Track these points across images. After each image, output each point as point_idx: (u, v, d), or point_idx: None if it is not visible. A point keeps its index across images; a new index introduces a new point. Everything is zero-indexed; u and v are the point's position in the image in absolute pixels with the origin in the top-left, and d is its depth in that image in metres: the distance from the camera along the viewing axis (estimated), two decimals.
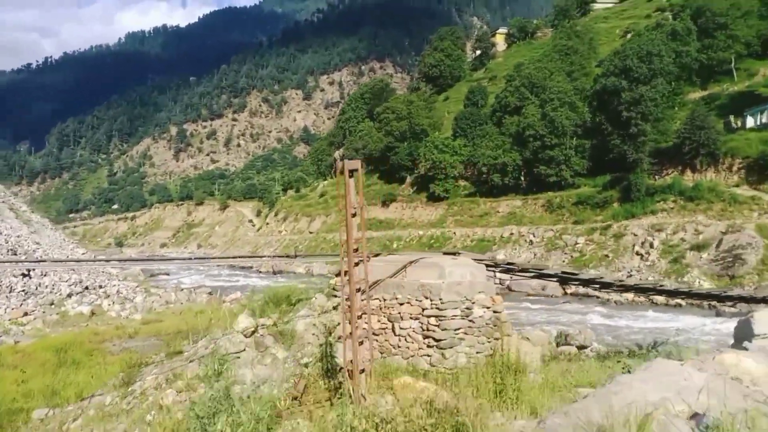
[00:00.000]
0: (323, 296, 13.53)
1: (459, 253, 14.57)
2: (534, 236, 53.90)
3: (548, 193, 62.45)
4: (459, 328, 10.60)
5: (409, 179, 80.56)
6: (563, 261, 47.86)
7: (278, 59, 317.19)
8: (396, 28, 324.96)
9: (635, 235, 45.08)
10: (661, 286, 21.76)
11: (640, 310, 33.55)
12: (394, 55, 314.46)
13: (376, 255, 14.34)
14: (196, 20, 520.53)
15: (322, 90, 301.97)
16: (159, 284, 49.14)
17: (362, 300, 8.55)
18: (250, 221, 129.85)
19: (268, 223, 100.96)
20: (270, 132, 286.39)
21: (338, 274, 12.89)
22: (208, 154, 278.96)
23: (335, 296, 12.91)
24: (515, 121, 68.13)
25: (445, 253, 14.56)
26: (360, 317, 8.40)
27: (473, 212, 68.42)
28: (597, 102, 62.25)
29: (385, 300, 11.29)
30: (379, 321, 11.23)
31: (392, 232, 70.64)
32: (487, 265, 14.42)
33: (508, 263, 17.81)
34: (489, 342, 10.83)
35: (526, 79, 76.85)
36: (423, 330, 10.75)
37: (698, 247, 40.03)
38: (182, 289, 42.96)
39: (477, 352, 10.54)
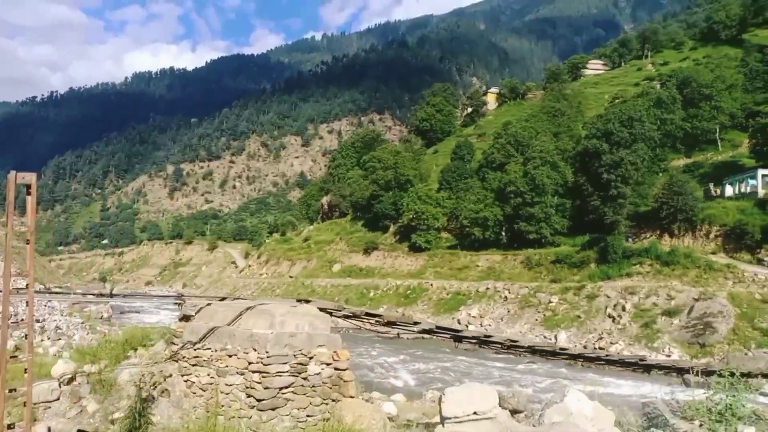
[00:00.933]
0: (163, 342, 12.27)
1: (309, 300, 13.06)
2: (509, 292, 53.06)
3: (528, 250, 61.99)
4: (286, 387, 9.21)
5: (392, 228, 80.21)
6: (536, 319, 46.88)
7: (280, 106, 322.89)
8: (397, 83, 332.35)
9: (608, 297, 44.32)
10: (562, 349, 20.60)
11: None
12: (394, 108, 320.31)
13: (223, 299, 13.27)
14: (203, 65, 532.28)
15: (321, 138, 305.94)
16: (121, 321, 47.69)
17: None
18: (233, 263, 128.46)
19: (250, 266, 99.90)
20: (266, 176, 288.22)
21: (182, 319, 11.83)
22: (202, 194, 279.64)
23: (174, 343, 11.72)
24: (498, 177, 68.39)
25: (298, 300, 13.04)
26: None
27: (453, 265, 67.72)
28: (579, 163, 62.70)
29: (216, 351, 9.88)
30: (208, 375, 9.80)
31: (370, 281, 69.70)
32: (354, 316, 13.28)
33: (368, 314, 15.87)
34: (325, 404, 9.45)
35: (512, 137, 77.76)
36: (246, 387, 9.31)
37: (670, 313, 39.22)
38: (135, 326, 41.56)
39: (308, 416, 9.16)
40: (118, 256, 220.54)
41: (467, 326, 50.01)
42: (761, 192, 49.04)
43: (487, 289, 55.40)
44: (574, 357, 19.54)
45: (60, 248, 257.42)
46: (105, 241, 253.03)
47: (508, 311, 49.81)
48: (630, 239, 55.03)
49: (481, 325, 49.24)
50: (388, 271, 73.44)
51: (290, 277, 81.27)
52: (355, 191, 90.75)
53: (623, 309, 41.93)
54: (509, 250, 64.99)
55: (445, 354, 38.61)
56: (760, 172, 51.12)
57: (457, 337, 20.02)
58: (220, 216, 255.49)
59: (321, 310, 11.29)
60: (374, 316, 16.31)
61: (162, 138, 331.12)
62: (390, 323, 16.95)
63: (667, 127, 73.24)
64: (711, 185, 57.04)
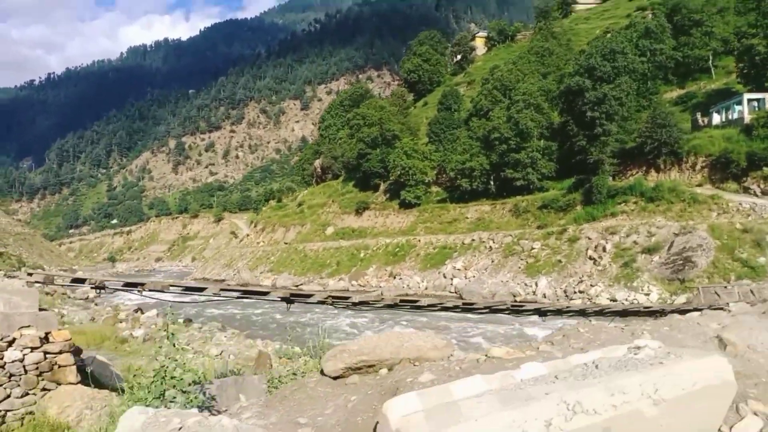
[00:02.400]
0: None
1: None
2: (493, 242, 52.11)
3: (516, 197, 60.72)
4: None
5: (382, 186, 79.02)
6: (519, 267, 46.08)
7: (276, 70, 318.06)
8: (393, 36, 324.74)
9: (589, 239, 43.22)
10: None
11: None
12: (391, 63, 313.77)
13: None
14: (197, 33, 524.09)
15: (320, 100, 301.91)
16: (106, 300, 47.63)
17: None
18: (233, 233, 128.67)
19: (248, 235, 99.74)
20: (268, 143, 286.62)
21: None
22: (206, 167, 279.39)
23: None
24: (483, 125, 66.56)
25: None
26: None
27: (443, 219, 66.69)
28: (563, 103, 60.71)
29: None
30: None
31: (361, 242, 69.07)
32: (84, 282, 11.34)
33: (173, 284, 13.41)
34: (32, 395, 8.37)
35: (499, 81, 75.38)
36: None
37: (649, 250, 38.11)
38: (111, 306, 41.57)
39: (6, 411, 8.09)
40: (126, 234, 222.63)
41: (452, 279, 49.44)
42: (747, 118, 46.92)
43: (473, 240, 54.51)
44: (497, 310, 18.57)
45: (71, 231, 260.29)
46: (114, 221, 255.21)
47: (492, 261, 49.01)
48: (620, 177, 53.51)
49: (465, 277, 48.62)
50: (380, 230, 72.68)
51: (285, 243, 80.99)
52: (345, 151, 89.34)
53: (604, 250, 40.91)
54: (498, 199, 63.72)
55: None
56: (746, 96, 48.87)
57: (416, 306, 18.96)
58: (226, 187, 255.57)
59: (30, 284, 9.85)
60: (300, 296, 15.38)
61: (161, 112, 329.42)
62: (338, 298, 15.71)
63: (657, 58, 70.25)
64: (698, 114, 54.83)
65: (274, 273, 70.49)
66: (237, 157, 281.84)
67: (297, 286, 60.88)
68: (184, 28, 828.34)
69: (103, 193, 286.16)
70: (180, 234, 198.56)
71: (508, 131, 60.79)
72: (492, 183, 65.74)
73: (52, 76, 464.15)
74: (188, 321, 34.18)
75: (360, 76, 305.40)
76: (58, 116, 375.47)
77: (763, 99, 48.31)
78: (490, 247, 51.72)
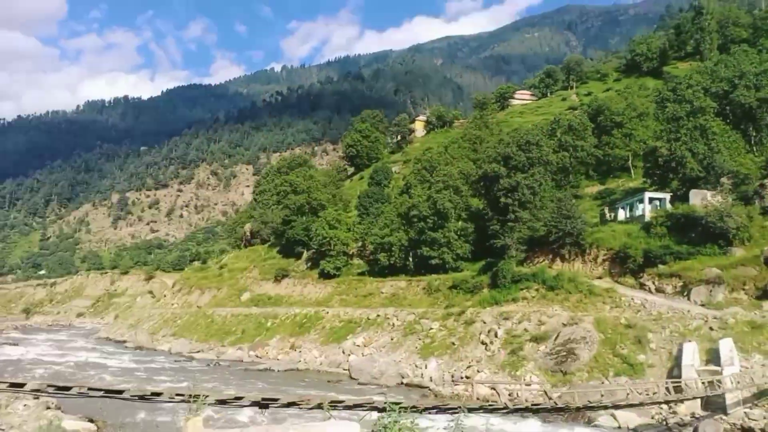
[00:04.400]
0: None
1: None
2: (397, 319, 50.69)
3: (432, 276, 60.05)
4: None
5: (305, 255, 77.46)
6: (416, 347, 44.52)
7: (232, 135, 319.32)
8: (352, 114, 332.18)
9: (484, 322, 42.36)
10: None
11: None
12: None
13: None
14: (159, 94, 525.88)
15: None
16: None
17: None
18: (150, 292, 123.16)
19: (165, 295, 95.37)
20: (216, 204, 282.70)
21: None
22: (148, 224, 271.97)
23: None
24: (405, 201, 66.77)
25: None
26: None
27: (359, 292, 65.16)
28: (481, 187, 61.71)
29: None
30: None
31: (271, 310, 66.47)
32: None
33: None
34: None
35: (428, 162, 76.71)
36: None
37: (537, 339, 37.39)
38: None
39: None
40: (50, 286, 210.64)
41: (349, 356, 47.31)
42: (648, 215, 48.30)
43: (378, 316, 53.00)
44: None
45: None
46: (42, 272, 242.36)
47: (392, 339, 47.37)
48: (528, 264, 53.64)
49: (362, 354, 46.59)
50: (297, 299, 70.42)
51: (198, 306, 77.37)
52: (275, 218, 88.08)
53: (495, 335, 39.99)
54: (415, 276, 62.94)
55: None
56: (647, 195, 50.57)
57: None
58: (165, 245, 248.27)
59: None
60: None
61: (109, 166, 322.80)
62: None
63: (578, 154, 73.15)
64: (606, 209, 56.36)
65: (177, 337, 66.59)
66: (181, 216, 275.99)
67: (193, 352, 57.39)
68: (147, 88, 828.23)
69: (36, 242, 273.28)
70: (107, 290, 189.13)
71: (427, 210, 60.99)
72: (411, 260, 65.17)
73: (2, 122, 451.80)
74: None
75: (316, 147, 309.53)
76: (2, 162, 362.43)
77: (664, 199, 50.00)
78: (393, 324, 50.22)
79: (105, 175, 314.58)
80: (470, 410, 16.92)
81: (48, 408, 24.24)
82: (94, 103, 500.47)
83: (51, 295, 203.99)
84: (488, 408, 18.48)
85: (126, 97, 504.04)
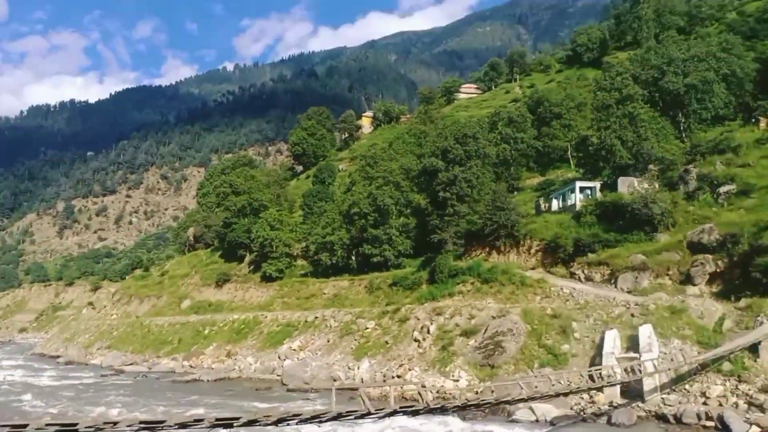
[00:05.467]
0: None
1: None
2: (334, 320, 49.69)
3: (373, 274, 59.25)
4: None
5: (247, 258, 75.57)
6: (351, 348, 43.61)
7: (182, 137, 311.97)
8: (305, 112, 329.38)
9: (418, 319, 41.75)
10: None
11: None
12: None
13: None
14: (108, 97, 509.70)
15: None
16: None
17: None
18: (90, 303, 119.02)
19: (105, 306, 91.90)
20: (166, 209, 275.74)
21: None
22: (95, 232, 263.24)
23: None
24: (345, 199, 65.76)
25: None
26: None
27: (301, 294, 63.85)
28: (421, 182, 61.22)
29: None
30: None
31: (209, 317, 64.49)
32: None
33: None
34: None
35: (372, 159, 75.78)
36: None
37: (467, 333, 36.96)
38: None
39: None
40: None
41: (284, 361, 46.05)
42: (578, 205, 48.51)
43: (316, 318, 51.86)
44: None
45: None
46: None
47: (329, 341, 46.32)
48: (466, 258, 53.35)
49: (297, 359, 45.41)
50: (238, 304, 68.59)
51: (136, 317, 74.61)
52: (217, 220, 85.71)
53: (428, 332, 39.40)
54: (358, 275, 62.02)
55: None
56: (578, 184, 50.83)
57: None
58: (114, 254, 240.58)
59: None
60: None
61: (54, 174, 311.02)
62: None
63: (519, 146, 73.37)
64: (541, 200, 56.53)
65: (112, 350, 63.98)
66: (130, 223, 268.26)
67: (126, 365, 55.13)
68: (95, 91, 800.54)
69: None
70: (51, 303, 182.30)
71: (368, 207, 60.12)
72: (353, 258, 64.23)
73: None
74: None
75: (270, 147, 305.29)
76: None
77: (594, 187, 50.34)
78: (330, 325, 49.19)
79: (50, 182, 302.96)
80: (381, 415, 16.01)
81: None
82: (39, 108, 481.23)
83: None
84: (407, 410, 17.73)
85: (72, 101, 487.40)
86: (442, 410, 16.93)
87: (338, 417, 13.63)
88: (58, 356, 69.17)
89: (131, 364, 55.55)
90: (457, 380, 33.19)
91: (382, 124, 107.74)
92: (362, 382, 36.57)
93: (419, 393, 15.47)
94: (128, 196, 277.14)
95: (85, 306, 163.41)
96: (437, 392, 31.66)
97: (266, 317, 57.64)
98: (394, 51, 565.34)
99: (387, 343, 41.02)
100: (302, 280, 66.65)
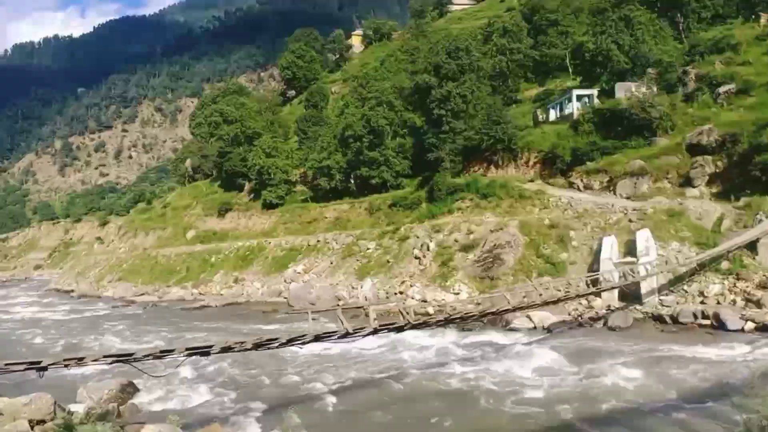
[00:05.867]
0: None
1: None
2: (336, 243, 50.30)
3: (373, 196, 59.36)
4: None
5: (247, 186, 75.50)
6: (354, 268, 44.39)
7: (172, 68, 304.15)
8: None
9: (417, 237, 42.22)
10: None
11: None
12: None
13: None
14: (91, 30, 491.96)
15: None
16: None
17: None
18: (98, 238, 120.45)
19: (113, 240, 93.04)
20: (164, 142, 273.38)
21: None
22: (96, 168, 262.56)
23: None
24: (339, 122, 64.83)
25: None
26: None
27: (303, 219, 64.19)
28: (415, 100, 60.03)
29: None
30: None
31: (215, 246, 65.33)
32: None
33: None
34: None
35: (364, 79, 74.07)
36: None
37: (466, 248, 37.44)
38: None
39: None
40: (2, 242, 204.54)
41: (290, 284, 47.04)
42: (576, 113, 47.75)
43: (318, 241, 52.52)
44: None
45: None
46: None
47: (332, 263, 47.12)
48: (465, 175, 53.18)
49: (302, 281, 46.37)
50: (242, 232, 69.25)
51: (144, 249, 75.71)
52: (212, 150, 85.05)
53: (428, 249, 39.93)
54: (358, 198, 62.15)
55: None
56: (575, 92, 49.91)
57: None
58: (118, 189, 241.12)
59: None
60: None
61: (47, 112, 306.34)
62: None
63: (515, 57, 71.23)
64: (538, 111, 55.61)
65: (122, 282, 65.42)
66: (130, 157, 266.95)
67: (136, 296, 56.57)
68: (78, 26, 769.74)
69: None
70: (62, 240, 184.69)
71: (362, 129, 59.31)
72: (352, 182, 64.12)
73: None
74: None
75: (262, 74, 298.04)
76: None
77: (591, 95, 49.37)
78: (333, 248, 49.86)
79: (44, 121, 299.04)
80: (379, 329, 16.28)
81: None
82: (23, 47, 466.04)
83: (5, 251, 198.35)
84: (389, 327, 18.09)
85: (57, 36, 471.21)
86: (425, 325, 17.25)
87: (317, 338, 13.93)
88: (71, 291, 70.82)
89: (142, 294, 56.92)
90: (458, 293, 33.96)
91: (373, 42, 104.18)
92: (366, 300, 37.44)
93: (400, 311, 15.62)
94: (124, 130, 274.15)
95: (95, 241, 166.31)
96: (438, 306, 32.49)
97: (270, 243, 58.31)
98: None
99: (388, 262, 41.69)
100: (303, 205, 66.85)
